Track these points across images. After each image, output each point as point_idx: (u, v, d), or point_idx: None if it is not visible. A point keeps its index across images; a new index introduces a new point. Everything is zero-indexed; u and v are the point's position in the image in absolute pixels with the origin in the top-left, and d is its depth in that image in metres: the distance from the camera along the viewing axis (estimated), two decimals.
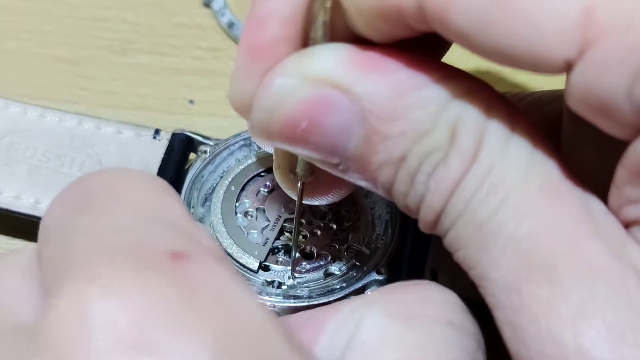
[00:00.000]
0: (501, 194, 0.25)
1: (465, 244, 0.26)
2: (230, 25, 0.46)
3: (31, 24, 0.46)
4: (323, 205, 0.37)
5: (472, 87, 0.26)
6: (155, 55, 0.45)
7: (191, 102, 0.44)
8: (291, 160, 0.31)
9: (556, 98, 0.31)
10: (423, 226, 0.27)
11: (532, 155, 0.25)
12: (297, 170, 0.31)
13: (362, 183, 0.28)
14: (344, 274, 0.35)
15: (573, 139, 0.28)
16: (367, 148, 0.26)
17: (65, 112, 0.38)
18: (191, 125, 0.42)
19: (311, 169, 0.30)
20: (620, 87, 0.22)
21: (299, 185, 0.32)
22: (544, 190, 0.25)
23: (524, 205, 0.24)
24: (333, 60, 0.26)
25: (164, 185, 0.25)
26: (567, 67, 0.23)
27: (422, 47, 0.27)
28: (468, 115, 0.25)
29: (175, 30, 0.47)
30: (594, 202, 0.25)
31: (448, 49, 0.30)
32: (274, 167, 0.32)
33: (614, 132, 0.24)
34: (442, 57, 0.30)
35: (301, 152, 0.27)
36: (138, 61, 0.45)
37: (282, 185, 0.32)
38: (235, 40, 0.46)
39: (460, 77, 0.26)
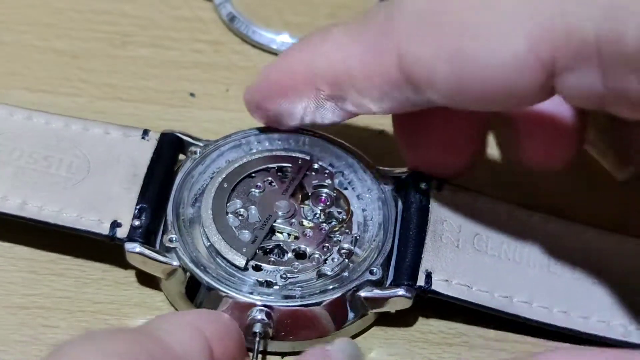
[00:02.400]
0: None
1: None
2: (232, 18, 0.46)
3: (31, 17, 0.46)
4: (315, 206, 0.37)
5: None
6: (156, 48, 0.45)
7: (192, 95, 0.44)
8: None
9: None
10: None
11: None
12: None
13: None
14: (337, 275, 0.35)
15: None
16: None
17: (52, 114, 0.38)
18: (192, 118, 0.42)
19: None
20: None
21: None
22: None
23: None
24: None
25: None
26: None
27: None
28: None
29: (176, 23, 0.46)
30: None
31: None
32: None
33: None
34: None
35: None
36: (138, 54, 0.45)
37: None
38: (236, 33, 0.46)
39: None
